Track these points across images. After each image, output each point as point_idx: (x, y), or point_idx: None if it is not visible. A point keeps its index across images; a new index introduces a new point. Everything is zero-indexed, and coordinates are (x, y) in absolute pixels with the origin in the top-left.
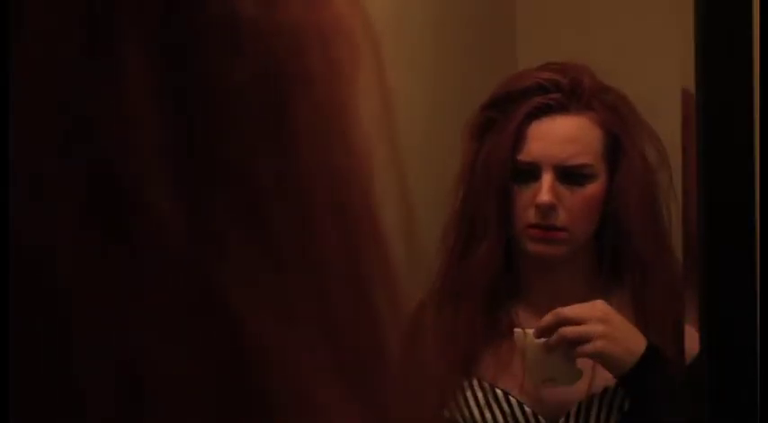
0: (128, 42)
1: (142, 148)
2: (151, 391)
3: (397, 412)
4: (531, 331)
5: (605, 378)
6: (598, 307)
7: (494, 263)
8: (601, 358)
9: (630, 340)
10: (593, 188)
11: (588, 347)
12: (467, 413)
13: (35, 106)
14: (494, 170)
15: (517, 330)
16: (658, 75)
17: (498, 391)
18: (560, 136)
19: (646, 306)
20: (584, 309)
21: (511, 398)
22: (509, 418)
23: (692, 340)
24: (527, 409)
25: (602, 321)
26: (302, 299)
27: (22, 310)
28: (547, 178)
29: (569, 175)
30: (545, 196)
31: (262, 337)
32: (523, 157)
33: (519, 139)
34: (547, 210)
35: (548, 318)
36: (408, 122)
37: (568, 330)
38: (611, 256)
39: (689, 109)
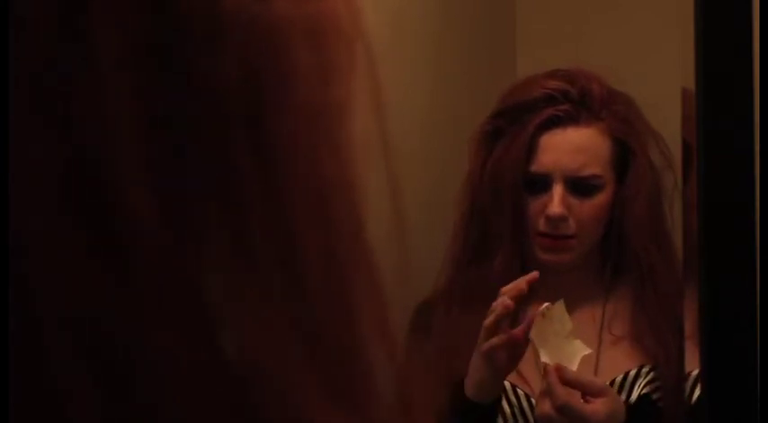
0: (103, 37)
1: (119, 146)
2: (133, 392)
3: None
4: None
5: (609, 373)
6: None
7: (509, 273)
8: None
9: None
10: (602, 197)
11: None
12: None
13: (14, 96)
14: (507, 181)
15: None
16: (658, 75)
17: (506, 383)
18: (571, 148)
19: (647, 308)
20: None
21: (518, 390)
22: (515, 410)
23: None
24: (534, 401)
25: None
26: (281, 302)
27: None
28: (558, 189)
29: (579, 185)
30: (557, 208)
31: (241, 340)
32: (535, 168)
33: (530, 149)
34: (558, 221)
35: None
36: (407, 125)
37: (577, 402)
38: (615, 259)
39: (689, 109)
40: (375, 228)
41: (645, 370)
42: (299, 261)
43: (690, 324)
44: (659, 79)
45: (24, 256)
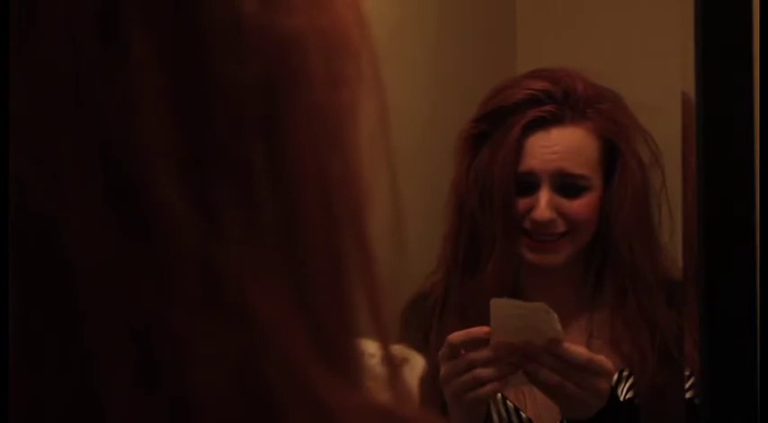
0: (135, 38)
1: (151, 142)
2: (162, 363)
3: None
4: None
5: None
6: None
7: (503, 275)
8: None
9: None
10: (590, 198)
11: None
12: None
13: (48, 94)
14: (497, 185)
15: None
16: (658, 75)
17: (497, 395)
18: (558, 149)
19: (627, 310)
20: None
21: (508, 402)
22: None
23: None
24: (523, 415)
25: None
26: (287, 279)
27: (33, 292)
28: (545, 192)
29: (567, 186)
30: (544, 212)
31: (262, 313)
32: (521, 169)
33: (516, 152)
34: (545, 225)
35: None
36: (407, 125)
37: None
38: (601, 261)
39: (689, 111)
40: (376, 225)
41: (625, 374)
42: (303, 249)
43: (690, 326)
44: (659, 80)
45: (67, 248)
